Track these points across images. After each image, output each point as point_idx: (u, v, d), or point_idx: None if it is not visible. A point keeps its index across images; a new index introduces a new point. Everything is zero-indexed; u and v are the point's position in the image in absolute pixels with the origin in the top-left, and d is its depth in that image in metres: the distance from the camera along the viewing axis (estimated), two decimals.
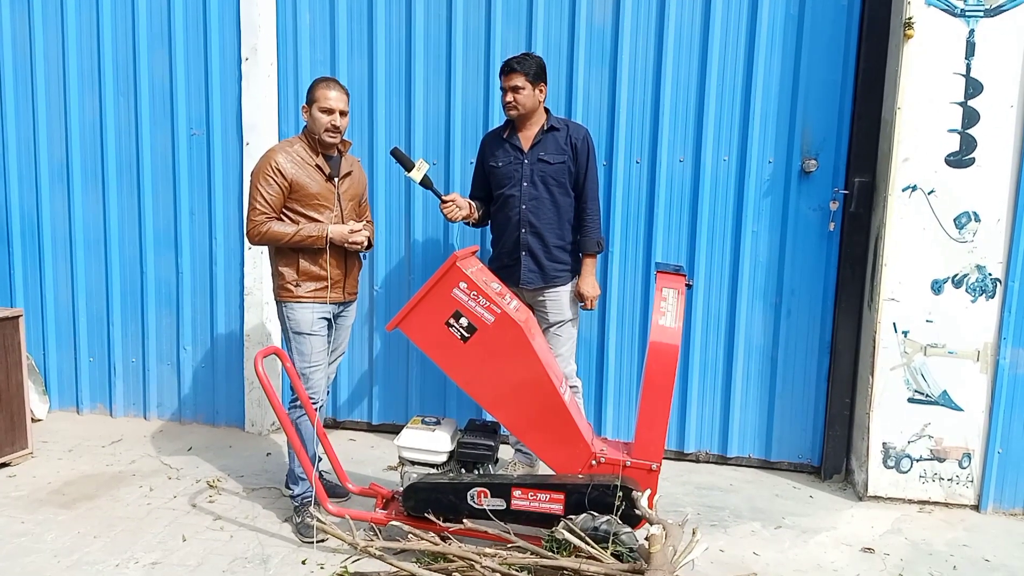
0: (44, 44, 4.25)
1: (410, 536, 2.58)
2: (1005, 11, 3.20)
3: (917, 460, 3.45)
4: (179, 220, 4.20)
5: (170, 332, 4.32)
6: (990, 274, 3.33)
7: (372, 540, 2.53)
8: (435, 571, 2.44)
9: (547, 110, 3.35)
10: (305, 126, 3.06)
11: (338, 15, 4.00)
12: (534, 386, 2.71)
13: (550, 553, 2.45)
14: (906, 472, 3.45)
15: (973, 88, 3.26)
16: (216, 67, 4.07)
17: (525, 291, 3.36)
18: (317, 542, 2.92)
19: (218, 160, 4.12)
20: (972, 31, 3.23)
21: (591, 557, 2.37)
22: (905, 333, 3.40)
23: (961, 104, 3.28)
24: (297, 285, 3.01)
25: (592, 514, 2.57)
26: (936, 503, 3.46)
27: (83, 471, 3.64)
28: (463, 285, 2.69)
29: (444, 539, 2.58)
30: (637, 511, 2.55)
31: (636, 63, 3.76)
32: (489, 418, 3.29)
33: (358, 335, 4.16)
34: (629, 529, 2.55)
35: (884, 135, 3.46)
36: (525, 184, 3.29)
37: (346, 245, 3.03)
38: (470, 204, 3.35)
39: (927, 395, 3.42)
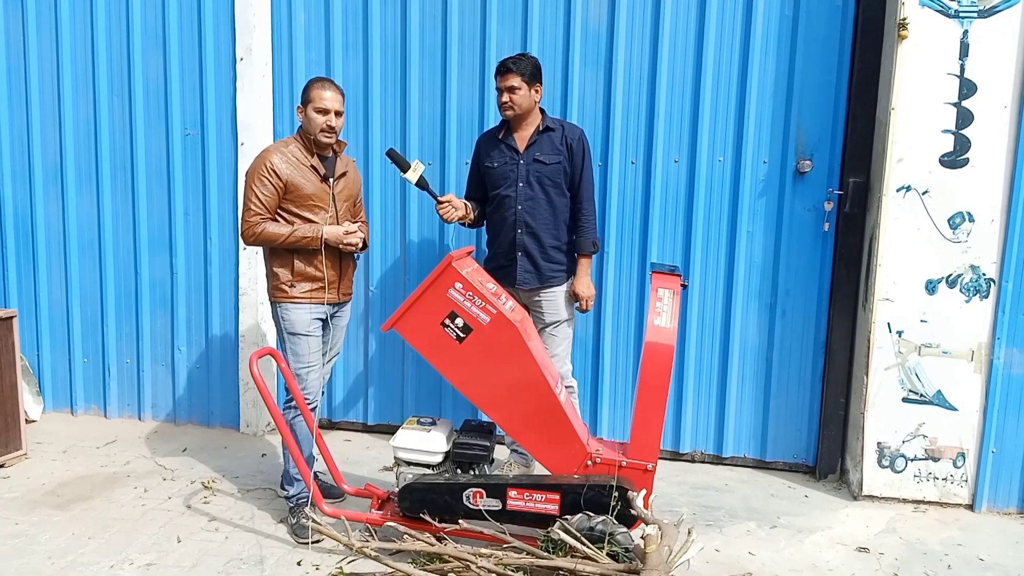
0: (38, 44, 4.22)
1: (406, 537, 2.58)
2: (999, 12, 3.21)
3: (912, 460, 3.46)
4: (174, 220, 4.19)
5: (165, 333, 4.30)
6: (984, 274, 3.34)
7: (368, 541, 2.53)
8: (431, 572, 2.44)
9: (543, 111, 3.35)
10: (300, 126, 3.05)
11: (333, 15, 3.99)
12: (530, 386, 2.71)
13: (546, 553, 2.45)
14: (901, 472, 3.46)
15: (967, 89, 3.27)
16: (211, 67, 4.05)
17: (521, 291, 3.36)
18: (313, 543, 2.91)
19: (213, 160, 4.11)
20: (966, 32, 3.24)
21: (587, 557, 2.37)
22: (899, 333, 3.41)
23: (955, 105, 3.29)
24: (292, 286, 3.01)
25: (588, 514, 2.57)
26: (931, 502, 3.47)
27: (77, 472, 3.63)
28: (459, 285, 2.69)
29: (440, 540, 2.58)
30: (633, 511, 2.55)
31: (631, 64, 3.76)
32: (485, 418, 3.29)
33: (353, 335, 4.16)
34: (625, 529, 2.56)
35: (878, 135, 3.47)
36: (521, 184, 3.29)
37: (341, 246, 3.03)
38: (466, 205, 3.35)
39: (921, 395, 3.43)
